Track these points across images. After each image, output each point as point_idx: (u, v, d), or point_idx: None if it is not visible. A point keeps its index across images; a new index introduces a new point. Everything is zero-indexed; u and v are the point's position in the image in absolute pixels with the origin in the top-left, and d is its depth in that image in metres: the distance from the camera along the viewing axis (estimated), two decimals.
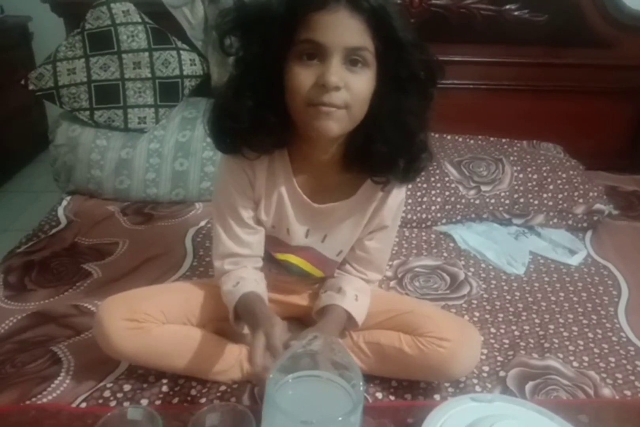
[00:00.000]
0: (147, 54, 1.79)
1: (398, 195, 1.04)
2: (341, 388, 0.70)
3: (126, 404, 1.03)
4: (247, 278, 1.01)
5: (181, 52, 1.82)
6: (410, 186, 1.69)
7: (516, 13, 1.87)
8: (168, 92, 1.83)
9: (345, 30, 0.80)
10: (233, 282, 1.00)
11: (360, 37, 0.81)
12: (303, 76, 0.83)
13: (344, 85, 0.82)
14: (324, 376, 0.71)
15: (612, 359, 1.21)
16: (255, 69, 0.88)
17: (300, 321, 1.20)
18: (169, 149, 1.77)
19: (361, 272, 1.11)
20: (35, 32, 2.71)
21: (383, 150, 0.90)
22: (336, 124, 0.85)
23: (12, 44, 2.62)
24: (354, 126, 0.89)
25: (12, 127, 2.57)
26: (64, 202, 1.78)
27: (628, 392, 1.12)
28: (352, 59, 0.82)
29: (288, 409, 0.67)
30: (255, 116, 0.89)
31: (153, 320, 1.05)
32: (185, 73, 1.83)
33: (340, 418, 0.66)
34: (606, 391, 1.12)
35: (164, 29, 1.83)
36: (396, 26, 0.82)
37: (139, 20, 1.80)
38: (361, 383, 0.70)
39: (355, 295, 1.05)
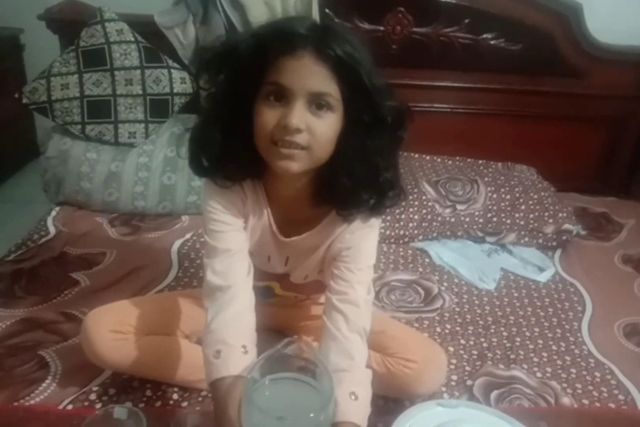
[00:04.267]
0: (139, 71, 1.86)
1: (366, 225, 0.99)
2: (313, 389, 0.76)
3: None
4: (228, 344, 0.89)
5: (172, 70, 1.89)
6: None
7: (492, 42, 1.96)
8: (158, 108, 1.89)
9: (310, 75, 0.83)
10: (213, 349, 0.89)
11: (325, 83, 0.84)
12: (268, 116, 0.86)
13: (305, 127, 0.84)
14: (298, 378, 0.77)
15: (574, 371, 1.28)
16: (226, 106, 0.91)
17: (280, 332, 1.25)
18: (157, 164, 1.83)
19: (342, 293, 0.97)
20: (27, 44, 2.76)
21: (347, 184, 0.92)
22: (297, 163, 0.88)
23: (3, 56, 2.66)
24: (317, 165, 0.91)
25: (0, 136, 2.60)
26: (53, 213, 1.82)
27: (586, 401, 1.19)
28: (317, 102, 0.85)
29: (264, 407, 0.73)
30: (226, 149, 0.92)
31: (137, 331, 1.10)
32: (175, 91, 1.89)
33: (311, 415, 0.72)
34: (566, 400, 1.19)
35: (156, 48, 1.89)
36: (363, 73, 0.84)
37: (132, 39, 1.87)
38: (331, 384, 0.76)
39: (351, 393, 0.88)
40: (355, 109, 0.87)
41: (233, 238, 0.99)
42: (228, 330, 0.92)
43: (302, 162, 0.88)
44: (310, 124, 0.85)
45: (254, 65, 0.86)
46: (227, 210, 0.98)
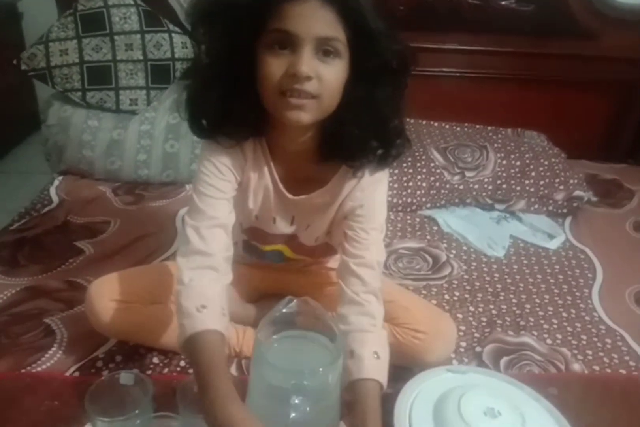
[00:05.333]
0: (139, 36, 1.81)
1: (375, 180, 0.99)
2: (322, 345, 0.75)
3: None
4: (213, 301, 0.87)
5: (173, 35, 1.84)
6: (396, 171, 1.73)
7: (503, 2, 1.90)
8: (159, 74, 1.85)
9: (316, 20, 0.81)
10: (196, 302, 0.85)
11: (332, 27, 0.81)
12: (274, 65, 0.83)
13: (315, 75, 0.82)
14: (306, 335, 0.76)
15: (584, 337, 1.27)
16: (225, 58, 0.87)
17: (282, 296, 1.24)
18: (160, 131, 1.80)
19: (358, 257, 0.97)
20: (25, 12, 2.70)
21: (355, 132, 0.90)
22: (307, 114, 0.85)
23: (2, 24, 2.62)
24: (325, 115, 0.88)
25: (1, 107, 2.57)
26: (56, 182, 1.80)
27: (596, 367, 1.18)
28: (324, 49, 0.82)
29: (278, 364, 0.72)
30: (226, 105, 0.89)
31: (141, 300, 1.09)
32: (176, 56, 1.84)
33: (321, 369, 0.71)
34: (576, 366, 1.18)
35: (156, 11, 1.84)
36: (368, 17, 0.82)
37: (131, 2, 1.81)
38: (339, 340, 0.75)
39: (374, 352, 0.90)
40: (361, 55, 0.85)
41: (221, 208, 0.95)
42: (211, 290, 0.89)
43: (312, 112, 0.86)
44: (319, 71, 0.83)
45: (254, 13, 0.82)
46: (222, 175, 0.95)
